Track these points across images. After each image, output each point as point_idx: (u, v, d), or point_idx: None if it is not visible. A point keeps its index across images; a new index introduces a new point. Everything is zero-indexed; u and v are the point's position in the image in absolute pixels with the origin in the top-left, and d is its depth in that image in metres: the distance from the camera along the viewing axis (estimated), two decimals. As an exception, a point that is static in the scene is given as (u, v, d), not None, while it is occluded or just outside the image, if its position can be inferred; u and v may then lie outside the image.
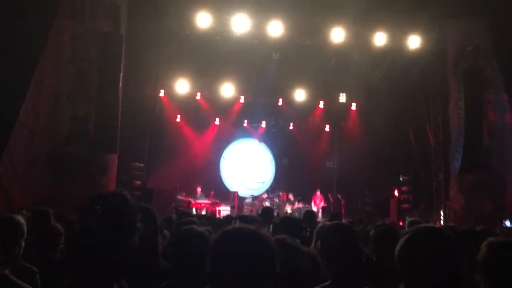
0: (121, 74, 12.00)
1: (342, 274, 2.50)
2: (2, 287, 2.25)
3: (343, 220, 7.22)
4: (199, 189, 16.31)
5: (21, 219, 2.81)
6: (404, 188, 16.70)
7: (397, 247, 1.88)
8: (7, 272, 2.37)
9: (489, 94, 13.91)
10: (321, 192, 16.96)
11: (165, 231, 4.57)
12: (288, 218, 5.29)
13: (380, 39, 14.17)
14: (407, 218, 5.89)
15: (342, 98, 18.17)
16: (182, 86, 16.51)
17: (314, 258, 2.37)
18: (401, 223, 12.98)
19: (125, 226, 1.74)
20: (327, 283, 2.53)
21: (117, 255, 1.71)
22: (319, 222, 7.55)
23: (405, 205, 16.35)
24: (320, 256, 2.44)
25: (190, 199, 15.75)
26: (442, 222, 14.00)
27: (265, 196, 17.37)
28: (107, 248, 1.69)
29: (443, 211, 14.92)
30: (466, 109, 13.35)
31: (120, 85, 12.05)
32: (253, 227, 1.64)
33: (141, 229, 1.82)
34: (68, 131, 11.46)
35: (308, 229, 4.03)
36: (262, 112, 18.69)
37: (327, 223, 3.81)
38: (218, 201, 16.41)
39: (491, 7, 12.62)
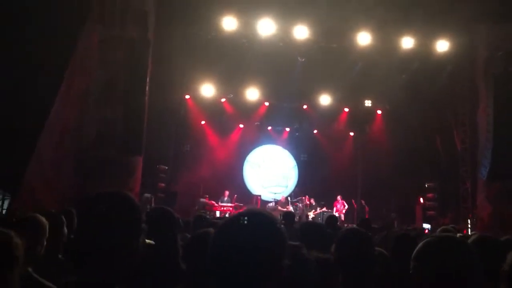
0: (148, 78, 12.19)
1: (353, 282, 2.45)
2: (25, 285, 2.29)
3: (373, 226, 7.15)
4: (227, 193, 16.41)
5: (42, 218, 2.88)
6: (430, 195, 16.40)
7: (414, 253, 1.88)
8: (30, 270, 2.43)
9: (520, 100, 13.56)
10: (342, 198, 16.82)
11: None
12: (311, 223, 5.31)
13: (407, 43, 14.00)
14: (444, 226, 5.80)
15: (368, 102, 18.00)
16: (207, 90, 16.63)
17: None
18: (426, 231, 12.77)
19: (126, 226, 1.69)
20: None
21: (117, 256, 1.66)
22: (341, 227, 7.50)
23: (431, 212, 16.06)
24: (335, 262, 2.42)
25: (213, 202, 15.84)
26: (469, 230, 13.69)
27: (283, 200, 17.31)
28: (106, 249, 1.64)
29: (470, 220, 14.60)
30: (495, 114, 13.07)
31: (147, 89, 12.23)
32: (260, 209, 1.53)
33: (145, 231, 1.77)
34: (96, 133, 11.68)
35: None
36: (287, 116, 18.65)
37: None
38: (241, 204, 16.44)
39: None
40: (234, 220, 1.49)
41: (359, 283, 2.46)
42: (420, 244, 1.87)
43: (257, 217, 1.46)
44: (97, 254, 1.64)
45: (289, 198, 17.50)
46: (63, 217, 3.35)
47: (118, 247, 1.66)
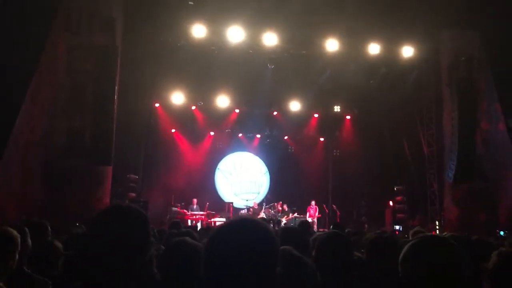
0: (116, 86, 12.01)
1: (332, 285, 2.46)
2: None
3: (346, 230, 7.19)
4: (195, 201, 16.22)
5: (14, 231, 2.78)
6: (399, 198, 16.71)
7: (401, 255, 1.88)
8: (1, 284, 2.35)
9: (483, 104, 14.00)
10: (316, 203, 16.95)
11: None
12: (289, 229, 5.28)
13: (374, 49, 14.28)
14: (415, 228, 5.93)
15: (337, 108, 18.26)
16: (177, 97, 16.52)
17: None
18: (397, 232, 12.99)
19: (141, 239, 1.65)
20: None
21: (131, 269, 1.62)
22: (315, 232, 7.54)
23: (401, 215, 16.36)
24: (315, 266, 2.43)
25: (185, 211, 15.66)
26: (437, 232, 13.99)
27: (255, 206, 17.30)
28: (121, 262, 1.60)
29: (438, 221, 14.93)
30: (460, 118, 13.43)
31: (116, 97, 12.05)
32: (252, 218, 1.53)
33: (154, 244, 1.73)
34: (63, 143, 11.42)
35: None
36: (257, 123, 18.69)
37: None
38: (213, 212, 16.31)
39: (485, 17, 12.75)
40: (228, 227, 1.49)
41: (339, 286, 2.48)
42: (406, 247, 1.87)
43: (251, 224, 1.47)
44: (107, 270, 1.60)
45: (263, 205, 17.49)
46: (26, 229, 3.22)
47: (129, 262, 1.61)
